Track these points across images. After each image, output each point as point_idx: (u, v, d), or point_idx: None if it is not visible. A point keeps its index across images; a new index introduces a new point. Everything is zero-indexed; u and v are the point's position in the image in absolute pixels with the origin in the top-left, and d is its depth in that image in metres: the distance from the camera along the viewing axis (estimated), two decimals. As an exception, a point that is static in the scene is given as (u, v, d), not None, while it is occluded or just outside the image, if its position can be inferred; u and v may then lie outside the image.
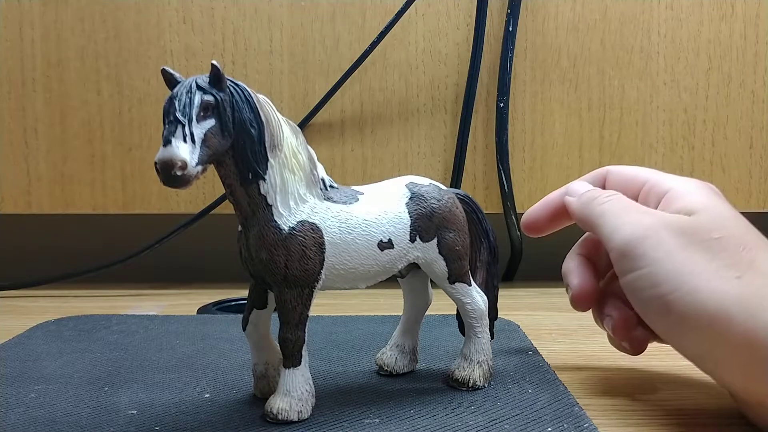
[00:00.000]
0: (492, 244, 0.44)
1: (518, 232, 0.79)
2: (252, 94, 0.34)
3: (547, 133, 0.77)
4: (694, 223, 0.35)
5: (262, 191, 0.35)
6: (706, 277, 0.32)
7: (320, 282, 0.36)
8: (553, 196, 0.45)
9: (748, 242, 0.34)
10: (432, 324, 0.54)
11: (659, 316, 0.34)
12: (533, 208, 0.45)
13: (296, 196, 0.35)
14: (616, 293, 0.40)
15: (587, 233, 0.43)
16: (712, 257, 0.33)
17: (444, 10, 0.75)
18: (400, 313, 0.45)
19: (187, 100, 0.31)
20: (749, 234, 0.35)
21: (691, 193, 0.37)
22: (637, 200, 0.40)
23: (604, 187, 0.43)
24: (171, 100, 0.32)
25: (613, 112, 0.77)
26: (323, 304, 0.65)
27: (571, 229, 0.45)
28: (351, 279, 0.37)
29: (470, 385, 0.41)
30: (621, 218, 0.37)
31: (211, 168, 0.34)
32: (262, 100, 0.35)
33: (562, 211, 0.44)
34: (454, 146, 0.76)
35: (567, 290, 0.42)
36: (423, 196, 0.39)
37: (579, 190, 0.42)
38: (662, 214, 0.36)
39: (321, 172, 0.37)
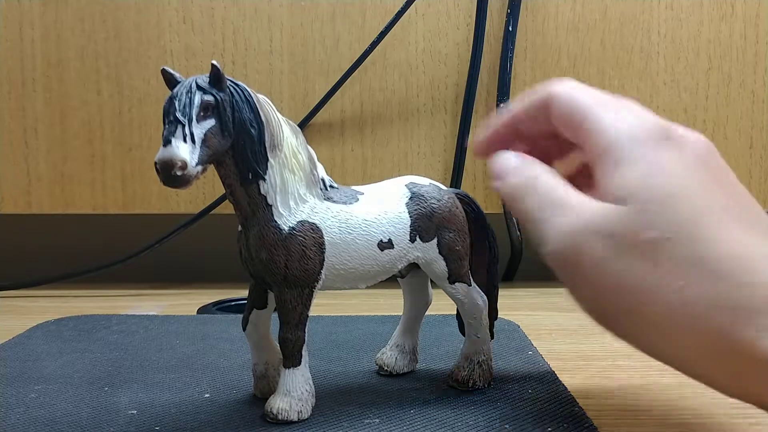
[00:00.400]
0: (492, 244, 0.44)
1: (518, 232, 0.79)
2: (252, 94, 0.34)
3: (547, 133, 0.77)
4: (623, 221, 0.28)
5: (262, 191, 0.35)
6: (646, 294, 0.27)
7: (320, 282, 0.36)
8: (499, 128, 0.37)
9: (701, 232, 0.27)
10: (432, 324, 0.54)
11: (609, 328, 0.30)
12: (481, 137, 0.38)
13: (296, 196, 0.36)
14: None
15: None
16: (651, 266, 0.27)
17: (444, 10, 0.75)
18: (400, 313, 0.45)
19: (187, 100, 0.31)
20: (709, 214, 0.27)
21: (632, 160, 0.29)
22: (580, 145, 0.33)
23: (548, 115, 0.35)
24: (171, 100, 0.32)
25: (613, 112, 0.76)
26: (323, 304, 0.65)
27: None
28: (351, 279, 0.37)
29: (470, 385, 0.41)
30: (544, 222, 0.30)
31: (211, 168, 0.34)
32: (262, 100, 0.35)
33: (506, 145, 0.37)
34: (454, 146, 0.76)
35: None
36: (423, 196, 0.39)
37: (505, 168, 0.34)
38: (588, 213, 0.29)
39: (321, 172, 0.37)
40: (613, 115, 0.32)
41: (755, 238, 0.27)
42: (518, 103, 0.36)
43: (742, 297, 0.26)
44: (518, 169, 0.33)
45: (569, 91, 0.33)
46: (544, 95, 0.34)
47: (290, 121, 0.37)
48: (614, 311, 0.29)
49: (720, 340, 0.26)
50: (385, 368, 0.43)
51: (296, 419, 0.35)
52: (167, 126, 0.31)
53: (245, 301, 0.39)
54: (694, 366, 0.29)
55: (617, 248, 0.28)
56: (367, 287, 0.39)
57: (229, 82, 0.33)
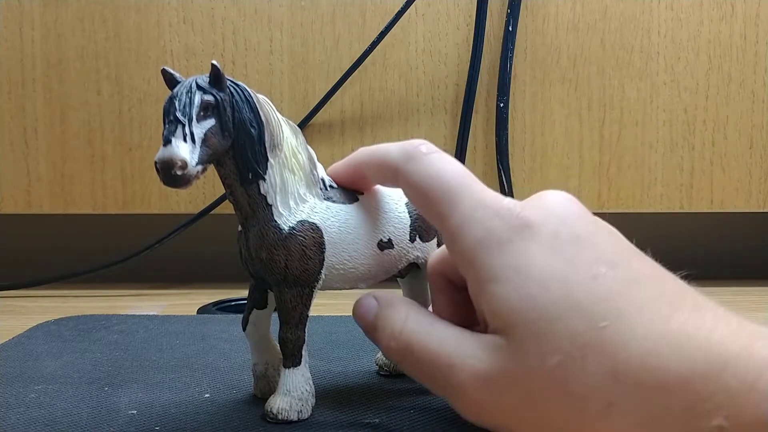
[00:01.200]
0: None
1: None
2: (252, 94, 0.34)
3: (547, 133, 0.77)
4: (515, 357, 0.24)
5: (262, 191, 0.35)
6: (571, 424, 0.24)
7: (320, 282, 0.36)
8: (358, 169, 0.35)
9: (607, 339, 0.23)
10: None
11: None
12: (338, 167, 0.37)
13: (296, 196, 0.35)
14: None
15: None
16: (562, 394, 0.23)
17: (444, 10, 0.75)
18: (400, 313, 0.45)
19: (187, 99, 0.31)
20: (605, 305, 0.23)
21: (497, 275, 0.25)
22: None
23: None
24: (171, 99, 0.32)
25: (613, 112, 0.77)
26: (323, 304, 0.64)
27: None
28: (351, 279, 0.37)
29: (470, 385, 0.40)
30: (440, 393, 0.28)
31: (211, 168, 0.34)
32: (262, 100, 0.35)
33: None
34: (454, 146, 0.76)
35: None
36: (423, 196, 0.39)
37: (368, 323, 0.31)
38: (476, 365, 0.25)
39: (321, 172, 0.37)
40: (468, 208, 0.28)
41: (662, 318, 0.23)
42: (364, 157, 0.34)
43: (673, 405, 0.22)
44: (382, 328, 0.30)
45: (420, 163, 0.29)
46: (392, 163, 0.31)
47: (290, 121, 0.37)
48: None
49: None
50: (385, 368, 0.43)
51: (296, 419, 0.35)
52: (167, 126, 0.31)
53: (245, 301, 0.39)
54: None
55: (519, 389, 0.24)
56: (367, 287, 0.39)
57: (229, 82, 0.33)
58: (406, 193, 0.32)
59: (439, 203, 0.28)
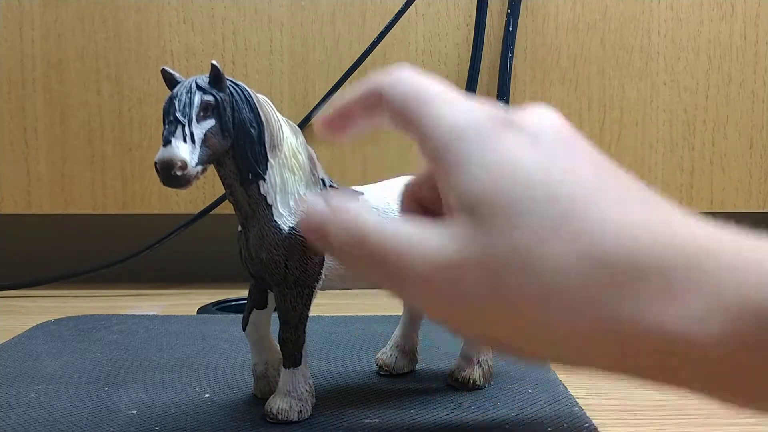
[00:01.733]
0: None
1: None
2: (252, 94, 0.34)
3: (547, 133, 0.77)
4: (479, 239, 0.22)
5: (262, 191, 0.35)
6: (534, 304, 0.22)
7: (320, 282, 0.36)
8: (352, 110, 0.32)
9: (582, 209, 0.22)
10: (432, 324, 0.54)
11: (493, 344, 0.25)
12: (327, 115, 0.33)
13: (296, 196, 0.36)
14: None
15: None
16: (533, 280, 0.22)
17: (444, 10, 0.75)
18: (400, 313, 0.45)
19: (187, 100, 0.31)
20: (582, 191, 0.23)
21: (472, 159, 0.24)
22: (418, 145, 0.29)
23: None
24: (171, 100, 0.32)
25: (613, 112, 0.77)
26: (323, 304, 0.65)
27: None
28: (351, 279, 0.37)
29: (470, 385, 0.41)
30: (397, 290, 0.25)
31: (211, 168, 0.34)
32: (262, 100, 0.35)
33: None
34: (454, 146, 0.76)
35: None
36: (423, 196, 0.39)
37: (315, 223, 0.27)
38: (435, 254, 0.23)
39: (321, 172, 0.37)
40: (447, 109, 0.27)
41: (641, 211, 0.23)
42: (351, 93, 0.31)
43: (648, 289, 0.21)
44: (334, 230, 0.26)
45: (401, 81, 0.28)
46: (376, 86, 0.29)
47: (290, 121, 0.37)
48: (507, 333, 0.23)
49: (599, 324, 0.21)
50: (385, 368, 0.43)
51: (296, 419, 0.35)
52: (167, 126, 0.31)
53: (245, 301, 0.39)
54: (574, 358, 0.24)
55: (483, 272, 0.22)
56: (368, 287, 0.39)
57: (229, 82, 0.33)
58: (388, 116, 0.30)
59: (416, 112, 0.27)
